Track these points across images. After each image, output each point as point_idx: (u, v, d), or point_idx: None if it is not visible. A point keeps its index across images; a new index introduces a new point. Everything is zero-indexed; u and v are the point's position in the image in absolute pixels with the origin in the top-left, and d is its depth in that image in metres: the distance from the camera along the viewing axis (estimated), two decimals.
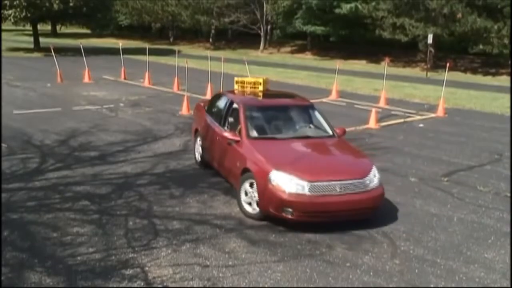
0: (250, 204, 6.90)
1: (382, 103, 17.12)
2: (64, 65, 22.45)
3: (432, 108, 16.75)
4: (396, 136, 12.40)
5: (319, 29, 38.67)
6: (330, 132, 7.96)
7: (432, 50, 31.35)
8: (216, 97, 9.54)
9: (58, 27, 59.40)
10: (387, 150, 10.90)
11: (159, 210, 6.98)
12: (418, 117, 15.27)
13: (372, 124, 13.39)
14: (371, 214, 6.78)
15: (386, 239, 6.36)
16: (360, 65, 34.80)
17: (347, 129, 12.29)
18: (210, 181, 8.34)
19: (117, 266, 5.37)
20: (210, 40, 48.66)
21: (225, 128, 8.09)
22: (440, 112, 15.80)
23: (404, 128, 13.57)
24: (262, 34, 43.75)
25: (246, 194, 6.95)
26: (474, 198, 8.02)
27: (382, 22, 32.37)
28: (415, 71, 32.16)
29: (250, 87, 9.06)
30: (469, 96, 20.67)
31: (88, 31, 61.48)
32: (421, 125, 14.16)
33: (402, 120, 14.65)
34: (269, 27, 45.03)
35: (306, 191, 6.32)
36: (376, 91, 20.20)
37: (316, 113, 8.32)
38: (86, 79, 20.69)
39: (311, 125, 8.16)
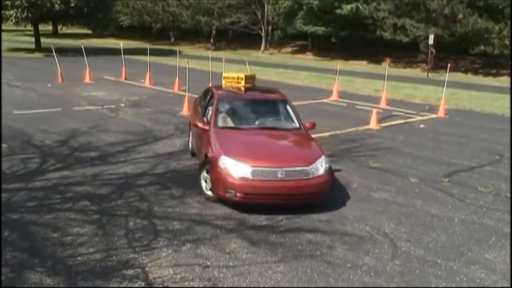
0: (207, 187, 7.52)
1: (383, 104, 17.11)
2: (65, 65, 22.44)
3: (433, 108, 16.74)
4: (397, 137, 12.39)
5: (320, 30, 38.68)
6: (297, 125, 8.48)
7: (433, 51, 31.37)
8: (205, 91, 10.10)
9: (59, 28, 59.42)
10: (387, 151, 10.90)
11: (160, 210, 6.98)
12: (419, 118, 15.27)
13: (373, 124, 13.39)
14: (316, 199, 7.19)
15: (386, 239, 6.36)
16: (360, 65, 34.81)
17: (348, 130, 12.33)
18: None
19: (118, 266, 5.36)
20: (211, 40, 48.72)
21: (205, 118, 8.68)
22: (440, 113, 15.79)
23: (405, 129, 13.56)
24: (263, 34, 43.78)
25: (205, 179, 7.56)
26: (475, 199, 8.02)
27: (383, 22, 32.39)
28: (415, 72, 32.17)
29: (235, 82, 9.61)
30: (470, 96, 20.67)
31: (89, 32, 61.57)
32: (421, 125, 14.15)
33: (403, 121, 14.65)
34: (270, 27, 45.06)
35: (248, 175, 6.91)
36: (377, 91, 20.20)
37: (288, 107, 8.79)
38: (86, 79, 20.69)
39: (279, 118, 8.67)
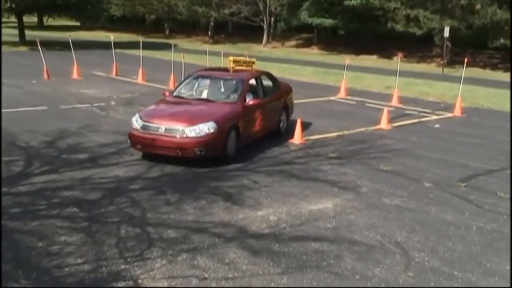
0: None
1: (394, 102, 17.12)
2: (51, 60, 22.47)
3: (449, 107, 16.73)
4: (410, 138, 12.39)
5: (326, 22, 38.64)
6: (234, 100, 10.45)
7: (449, 45, 31.33)
8: None
9: (45, 19, 59.46)
10: (399, 153, 10.89)
11: (154, 217, 6.98)
12: (434, 117, 15.26)
13: (383, 124, 13.38)
14: (191, 155, 9.22)
15: (398, 249, 6.35)
16: (370, 60, 34.80)
17: (356, 130, 12.40)
18: (209, 185, 8.35)
19: (108, 278, 5.36)
20: (209, 33, 48.73)
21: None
22: (457, 112, 15.78)
23: (418, 129, 13.56)
24: (265, 27, 43.77)
25: None
26: (494, 205, 8.01)
27: (395, 14, 32.36)
28: (430, 67, 32.16)
29: (231, 63, 12.01)
30: (488, 94, 20.65)
31: (78, 24, 61.56)
32: (436, 125, 14.15)
33: (416, 120, 14.64)
34: (272, 19, 45.05)
35: (139, 128, 9.48)
36: (388, 88, 20.19)
37: (241, 86, 10.74)
38: (75, 75, 20.71)
39: (225, 93, 10.85)
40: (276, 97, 12.00)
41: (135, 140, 9.55)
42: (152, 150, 9.49)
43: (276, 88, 12.30)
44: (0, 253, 5.56)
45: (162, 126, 9.30)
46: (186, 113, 9.86)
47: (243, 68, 12.02)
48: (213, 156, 9.42)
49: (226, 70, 12.02)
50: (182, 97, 10.87)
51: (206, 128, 9.24)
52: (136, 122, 9.60)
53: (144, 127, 9.44)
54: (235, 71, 11.70)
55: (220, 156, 9.53)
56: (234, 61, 11.97)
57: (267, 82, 12.12)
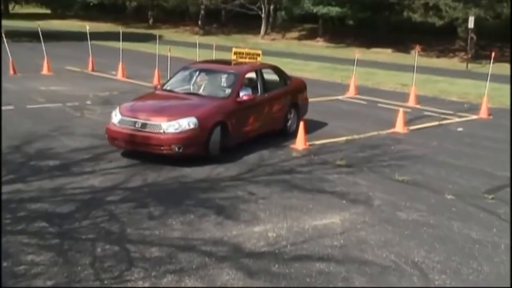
0: None
1: (411, 102, 17.18)
2: (18, 53, 22.48)
3: (473, 108, 16.78)
4: (429, 143, 12.42)
5: (333, 11, 38.77)
6: (226, 95, 10.82)
7: (474, 37, 31.45)
8: None
9: (10, 6, 59.50)
10: (417, 160, 10.91)
11: (134, 233, 6.97)
12: (456, 119, 15.31)
13: (399, 127, 13.41)
14: (167, 151, 9.63)
15: (416, 270, 6.34)
16: (383, 54, 34.92)
17: (368, 134, 12.36)
18: (199, 197, 8.34)
19: None
20: (199, 23, 48.86)
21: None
22: (482, 113, 15.83)
23: (439, 133, 13.59)
24: (263, 16, 43.90)
25: None
26: None
27: (412, 2, 32.47)
28: (452, 63, 32.27)
29: (234, 56, 13.21)
30: None
31: (48, 11, 61.63)
32: (459, 129, 14.18)
33: (436, 123, 14.67)
34: (271, 7, 45.19)
35: (117, 122, 10.06)
36: (404, 86, 20.26)
37: (236, 80, 11.11)
38: (45, 71, 20.73)
39: (219, 86, 11.29)
40: (282, 93, 12.14)
41: (112, 135, 10.12)
42: (130, 147, 10.09)
43: (283, 83, 12.41)
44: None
45: (139, 121, 9.80)
46: (167, 108, 10.36)
47: (246, 60, 12.35)
48: (193, 154, 9.84)
49: (224, 62, 12.59)
50: (171, 91, 11.32)
51: (186, 123, 9.64)
52: (115, 116, 10.10)
53: (121, 122, 9.98)
54: (236, 63, 12.06)
55: (202, 155, 9.91)
56: (236, 53, 12.45)
57: (272, 77, 12.19)
